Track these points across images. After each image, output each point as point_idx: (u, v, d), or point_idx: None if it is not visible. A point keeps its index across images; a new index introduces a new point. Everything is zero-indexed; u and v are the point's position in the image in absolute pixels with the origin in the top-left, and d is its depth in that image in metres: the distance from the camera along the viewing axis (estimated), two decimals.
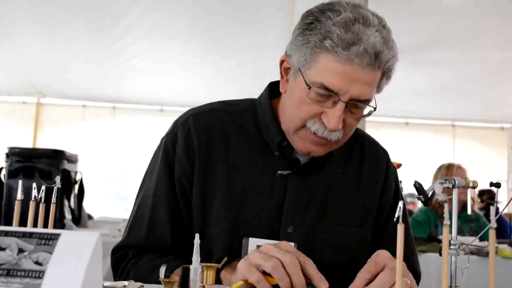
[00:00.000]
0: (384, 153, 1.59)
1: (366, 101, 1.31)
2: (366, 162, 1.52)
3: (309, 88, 1.28)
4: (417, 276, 1.52)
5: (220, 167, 1.41)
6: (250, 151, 1.44)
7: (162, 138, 1.49)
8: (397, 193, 1.56)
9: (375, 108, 1.34)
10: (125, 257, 1.43)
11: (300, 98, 1.32)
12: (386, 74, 1.33)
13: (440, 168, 4.49)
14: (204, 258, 1.28)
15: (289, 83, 1.37)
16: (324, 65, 1.27)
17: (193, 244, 1.41)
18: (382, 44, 1.27)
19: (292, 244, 1.22)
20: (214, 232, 1.39)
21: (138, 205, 1.47)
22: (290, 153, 1.42)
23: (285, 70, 1.39)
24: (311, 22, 1.30)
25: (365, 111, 1.35)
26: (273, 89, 1.49)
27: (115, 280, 1.42)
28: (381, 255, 1.19)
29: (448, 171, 4.38)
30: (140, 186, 1.51)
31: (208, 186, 1.40)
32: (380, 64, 1.27)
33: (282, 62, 1.39)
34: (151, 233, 1.42)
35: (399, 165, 4.06)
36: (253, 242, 1.27)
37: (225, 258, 1.26)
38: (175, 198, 1.42)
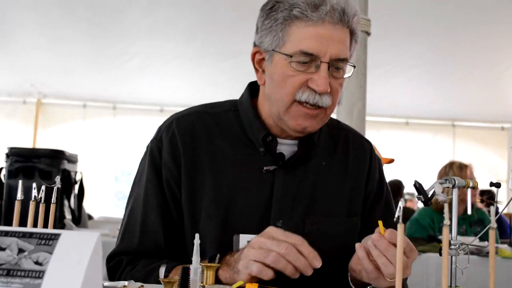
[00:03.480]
0: (368, 144, 1.62)
1: (345, 60, 1.37)
2: (351, 153, 1.55)
3: (290, 57, 1.33)
4: None
5: (206, 168, 1.43)
6: (234, 149, 1.46)
7: (148, 145, 1.51)
8: (381, 183, 1.59)
9: (354, 66, 1.39)
10: (119, 265, 1.44)
11: (282, 74, 1.36)
12: (353, 35, 1.39)
13: (451, 166, 4.29)
14: None
15: (266, 70, 1.41)
16: (298, 33, 1.33)
17: (185, 244, 1.41)
18: (344, 1, 1.35)
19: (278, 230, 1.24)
20: (205, 231, 1.40)
21: (129, 212, 1.48)
22: (274, 149, 1.45)
23: (258, 63, 1.44)
24: (272, 5, 1.37)
25: (346, 75, 1.40)
26: (253, 89, 1.53)
27: None
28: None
29: (461, 173, 4.18)
30: (129, 194, 1.52)
31: (196, 186, 1.42)
32: (348, 19, 1.35)
33: (253, 55, 1.44)
34: (144, 237, 1.43)
35: (392, 160, 4.04)
36: (243, 238, 1.30)
37: (218, 255, 1.27)
38: (165, 201, 1.43)
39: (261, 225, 1.37)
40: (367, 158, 1.57)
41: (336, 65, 1.35)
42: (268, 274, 1.18)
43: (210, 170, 1.43)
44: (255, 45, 1.43)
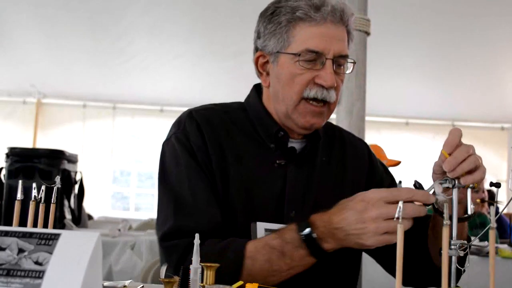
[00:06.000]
0: (362, 142, 1.70)
1: (346, 57, 1.45)
2: (347, 151, 1.62)
3: (298, 56, 1.40)
4: None
5: (228, 157, 1.46)
6: (249, 145, 1.50)
7: (170, 139, 1.48)
8: (387, 172, 1.65)
9: (355, 62, 1.48)
10: (179, 246, 1.36)
11: (290, 73, 1.42)
12: (349, 34, 1.47)
13: None
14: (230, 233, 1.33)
15: (271, 73, 1.47)
16: (302, 34, 1.41)
17: (235, 221, 1.41)
18: (342, 3, 1.45)
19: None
20: (230, 217, 1.42)
21: (174, 199, 1.42)
22: (286, 143, 1.50)
23: (262, 66, 1.50)
24: (273, 10, 1.45)
25: (348, 71, 1.48)
26: (257, 91, 1.57)
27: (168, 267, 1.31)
28: None
29: None
30: (160, 187, 1.47)
31: (221, 174, 1.44)
32: (346, 19, 1.44)
33: (257, 59, 1.50)
34: (201, 218, 1.38)
35: (398, 163, 3.99)
36: (260, 226, 1.35)
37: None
38: (209, 179, 1.43)
39: (276, 215, 1.44)
40: (364, 156, 1.64)
41: (338, 61, 1.43)
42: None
43: (232, 160, 1.46)
44: (257, 50, 1.49)
